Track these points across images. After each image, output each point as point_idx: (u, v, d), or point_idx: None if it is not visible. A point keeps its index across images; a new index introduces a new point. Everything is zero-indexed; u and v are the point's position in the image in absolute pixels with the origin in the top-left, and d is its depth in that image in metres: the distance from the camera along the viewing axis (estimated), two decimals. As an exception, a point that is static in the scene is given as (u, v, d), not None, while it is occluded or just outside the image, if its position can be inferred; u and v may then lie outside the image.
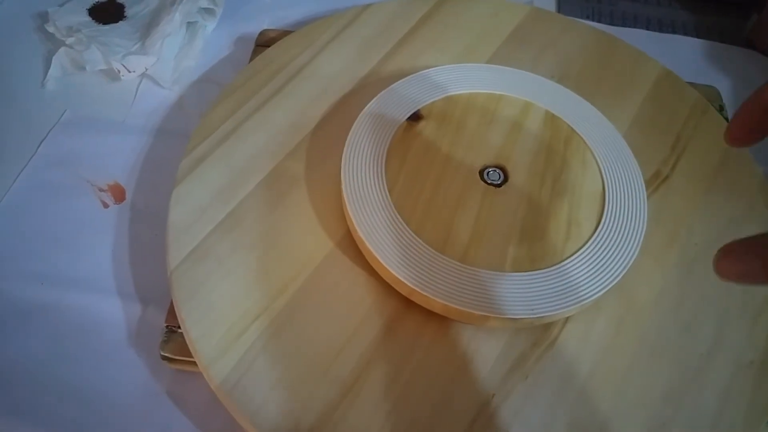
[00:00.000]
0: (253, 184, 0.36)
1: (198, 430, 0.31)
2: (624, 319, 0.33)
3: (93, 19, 0.48)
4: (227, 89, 0.40)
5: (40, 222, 0.38)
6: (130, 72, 0.44)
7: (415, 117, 0.37)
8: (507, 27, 0.45)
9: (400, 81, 0.38)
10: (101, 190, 0.40)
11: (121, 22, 0.48)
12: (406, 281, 0.31)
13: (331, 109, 0.40)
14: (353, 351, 0.31)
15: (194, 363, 0.31)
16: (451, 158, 0.36)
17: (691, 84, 0.43)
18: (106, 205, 0.39)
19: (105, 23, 0.47)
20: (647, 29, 0.51)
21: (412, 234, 0.32)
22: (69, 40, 0.45)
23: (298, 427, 0.28)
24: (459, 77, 0.39)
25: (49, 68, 0.45)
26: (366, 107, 0.37)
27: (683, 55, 0.49)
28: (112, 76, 0.45)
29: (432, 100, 0.38)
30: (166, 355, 0.32)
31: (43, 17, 0.48)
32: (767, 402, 0.31)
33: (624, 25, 0.51)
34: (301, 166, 0.37)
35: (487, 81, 0.39)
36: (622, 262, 0.32)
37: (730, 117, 0.44)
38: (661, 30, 0.51)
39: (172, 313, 0.32)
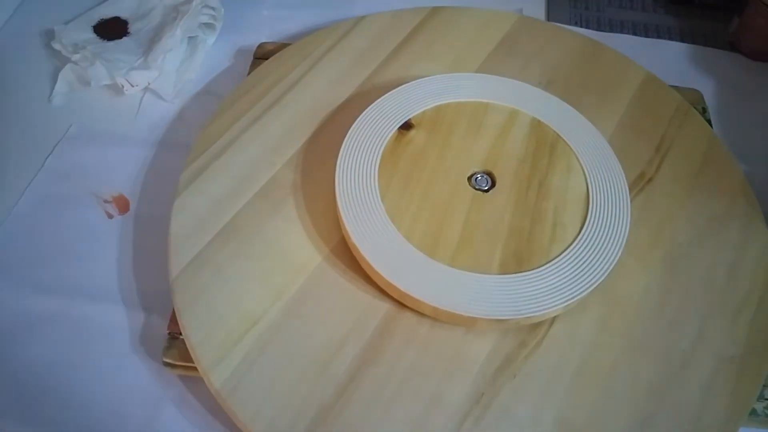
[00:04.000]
0: (251, 194, 0.37)
1: (200, 433, 0.33)
2: (609, 317, 0.34)
3: (98, 35, 0.49)
4: (225, 102, 0.42)
5: (47, 233, 0.40)
6: (133, 86, 0.46)
7: (406, 126, 0.38)
8: (496, 36, 0.46)
9: (392, 91, 0.40)
10: (106, 201, 0.41)
11: (125, 38, 0.49)
12: (397, 285, 0.32)
13: (326, 120, 0.41)
14: (348, 353, 0.32)
15: (195, 368, 0.32)
16: (440, 165, 0.37)
17: (675, 87, 0.45)
18: (110, 216, 0.41)
19: (109, 40, 0.49)
20: (634, 34, 0.52)
21: (404, 239, 0.34)
22: (75, 57, 0.47)
23: (295, 427, 0.30)
24: (448, 87, 0.40)
25: (55, 84, 0.47)
26: (358, 118, 0.38)
27: (668, 59, 0.50)
28: (117, 90, 0.46)
29: (422, 110, 0.39)
30: (168, 361, 0.33)
31: (50, 35, 0.49)
32: (748, 395, 0.32)
33: (611, 30, 0.52)
34: (298, 176, 0.38)
35: (475, 90, 0.40)
36: (606, 262, 0.33)
37: (712, 118, 0.45)
38: (646, 35, 0.52)
39: (174, 321, 0.34)
